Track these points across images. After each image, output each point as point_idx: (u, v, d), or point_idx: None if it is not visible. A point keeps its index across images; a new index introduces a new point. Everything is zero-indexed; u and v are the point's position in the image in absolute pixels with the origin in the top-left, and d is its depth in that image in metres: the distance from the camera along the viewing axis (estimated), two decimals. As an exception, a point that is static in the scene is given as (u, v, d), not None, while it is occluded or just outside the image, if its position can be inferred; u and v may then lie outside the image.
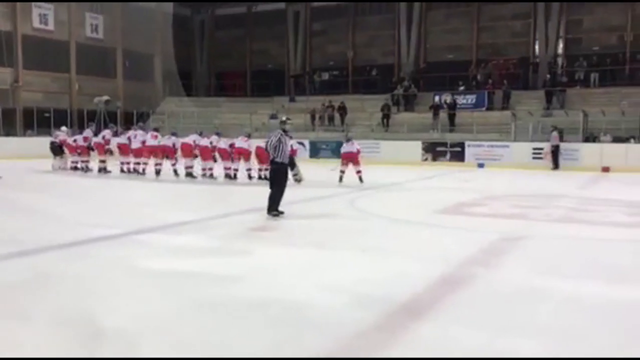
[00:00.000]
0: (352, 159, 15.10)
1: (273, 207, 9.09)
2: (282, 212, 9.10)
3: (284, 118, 9.95)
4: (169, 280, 5.47)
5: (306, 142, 25.44)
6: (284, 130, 9.39)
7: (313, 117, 28.66)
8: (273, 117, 26.86)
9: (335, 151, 23.83)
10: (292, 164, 13.66)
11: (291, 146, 11.25)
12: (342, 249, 7.02)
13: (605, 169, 20.08)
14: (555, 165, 21.10)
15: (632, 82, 25.81)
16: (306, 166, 20.21)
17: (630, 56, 26.95)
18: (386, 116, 27.23)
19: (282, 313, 4.53)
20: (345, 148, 15.48)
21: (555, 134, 21.34)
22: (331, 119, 28.62)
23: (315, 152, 25.40)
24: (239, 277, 5.62)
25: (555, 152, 21.20)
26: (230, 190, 14.20)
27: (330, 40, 34.40)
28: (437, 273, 5.75)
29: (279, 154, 9.18)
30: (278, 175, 9.25)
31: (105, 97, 29.58)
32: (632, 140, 21.45)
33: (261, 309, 4.57)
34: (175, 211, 10.05)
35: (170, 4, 31.77)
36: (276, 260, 6.46)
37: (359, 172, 14.90)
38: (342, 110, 28.29)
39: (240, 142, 15.98)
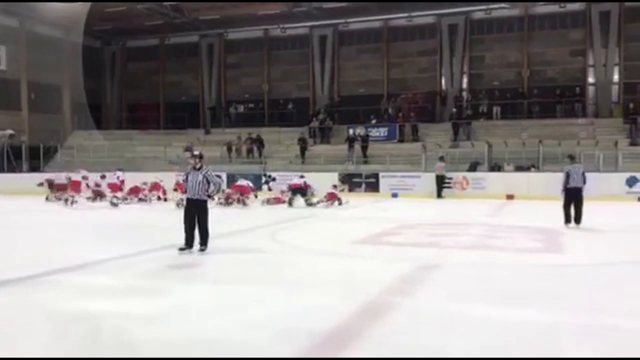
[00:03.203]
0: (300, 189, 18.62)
1: (190, 243, 9.04)
2: (186, 248, 8.95)
3: (188, 154, 9.92)
4: (84, 323, 5.25)
5: (223, 175, 25.19)
6: (200, 166, 9.33)
7: (229, 150, 28.55)
8: (188, 149, 26.46)
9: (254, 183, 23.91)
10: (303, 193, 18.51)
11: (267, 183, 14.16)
12: (264, 284, 7.01)
13: (510, 197, 21.26)
14: (438, 194, 22.06)
15: (530, 115, 27.70)
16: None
17: (527, 91, 28.92)
18: (303, 148, 27.58)
19: (207, 353, 4.46)
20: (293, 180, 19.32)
21: (441, 164, 22.41)
22: (250, 151, 28.62)
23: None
24: (159, 317, 5.48)
25: (439, 182, 22.19)
26: (150, 226, 13.80)
27: (245, 73, 34.60)
28: (358, 303, 5.88)
29: (190, 190, 9.16)
30: (197, 211, 9.16)
31: (9, 131, 28.05)
32: (532, 169, 22.89)
33: (185, 350, 4.49)
34: (90, 249, 9.65)
35: (80, 35, 30.83)
36: (197, 297, 6.36)
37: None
38: (259, 142, 28.38)
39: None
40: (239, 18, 31.35)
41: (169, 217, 13.64)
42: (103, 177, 20.77)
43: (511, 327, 5.10)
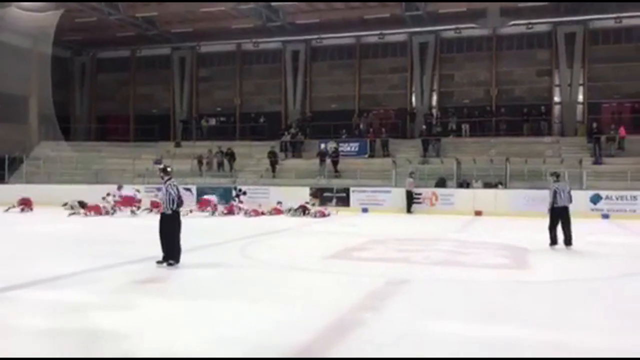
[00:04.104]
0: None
1: (164, 257, 8.97)
2: (163, 262, 8.94)
3: (161, 166, 9.89)
4: (50, 339, 5.16)
5: (193, 188, 25.07)
6: (167, 179, 9.29)
7: (200, 163, 28.39)
8: (157, 162, 26.26)
9: (224, 196, 23.85)
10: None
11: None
12: (233, 299, 6.98)
13: (478, 213, 21.57)
14: (408, 209, 22.31)
15: (498, 133, 28.22)
16: (193, 214, 19.96)
17: (495, 109, 29.49)
18: (273, 162, 27.59)
19: (174, 369, 4.43)
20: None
21: (410, 180, 22.69)
22: (220, 164, 28.50)
23: (202, 198, 25.02)
24: (126, 333, 5.42)
25: (409, 198, 22.46)
26: (120, 239, 13.60)
27: (217, 86, 34.55)
28: (326, 319, 5.90)
29: (165, 204, 9.14)
30: (164, 225, 9.12)
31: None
32: (500, 186, 23.28)
33: (152, 366, 4.44)
34: (57, 263, 9.48)
35: (49, 45, 30.38)
36: (165, 313, 6.30)
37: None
38: (230, 156, 28.30)
39: None
40: (211, 31, 31.38)
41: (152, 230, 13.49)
42: (120, 187, 22.48)
43: (478, 343, 5.18)
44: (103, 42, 33.78)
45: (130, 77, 35.63)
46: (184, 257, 9.22)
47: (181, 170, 25.34)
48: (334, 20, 29.42)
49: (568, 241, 11.60)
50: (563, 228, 11.68)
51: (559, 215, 11.70)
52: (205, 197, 22.11)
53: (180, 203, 9.22)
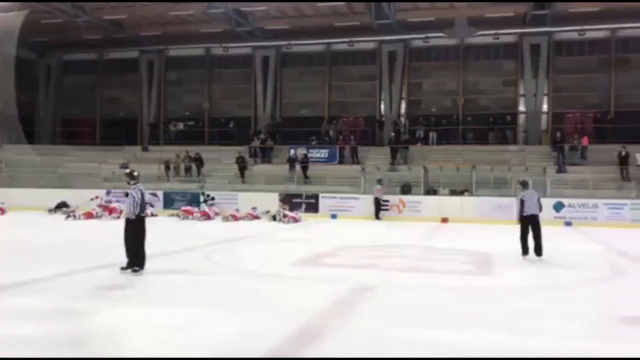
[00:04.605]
0: None
1: (129, 263, 8.84)
2: (127, 268, 8.82)
3: (127, 170, 9.77)
4: (9, 347, 5.02)
5: (160, 193, 24.79)
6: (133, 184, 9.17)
7: (167, 168, 28.07)
8: (124, 166, 25.89)
9: (192, 202, 23.65)
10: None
11: None
12: (199, 306, 6.91)
13: (445, 220, 21.81)
14: (376, 216, 22.49)
15: (465, 141, 28.63)
16: (161, 219, 19.76)
17: (462, 118, 29.92)
18: (242, 168, 27.45)
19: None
20: None
21: (378, 187, 22.86)
22: (188, 169, 28.23)
23: (169, 203, 24.76)
24: (87, 341, 5.31)
25: (377, 204, 22.64)
26: (87, 244, 13.34)
27: (186, 90, 34.26)
28: (294, 326, 5.88)
29: (129, 209, 9.05)
30: (128, 231, 8.99)
31: None
32: (466, 193, 23.58)
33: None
34: (21, 270, 9.24)
35: (13, 46, 29.69)
36: (126, 320, 6.19)
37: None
38: (198, 161, 28.05)
39: None
40: (180, 35, 31.10)
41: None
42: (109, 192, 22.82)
43: (444, 349, 5.23)
44: (69, 44, 33.16)
45: (97, 80, 35.04)
46: (150, 263, 9.10)
47: (148, 175, 24.99)
48: (304, 27, 29.48)
49: (538, 251, 11.26)
50: (533, 237, 11.33)
51: (528, 224, 11.39)
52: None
53: (142, 209, 9.08)
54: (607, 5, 25.56)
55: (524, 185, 12.29)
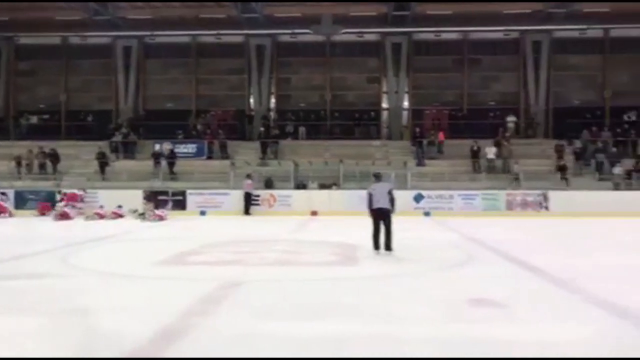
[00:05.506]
0: None
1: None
2: None
3: None
4: None
5: (10, 192, 22.82)
6: None
7: (19, 164, 25.87)
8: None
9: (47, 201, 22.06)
10: None
11: None
12: (50, 312, 6.38)
13: (314, 213, 22.21)
14: (246, 211, 22.47)
15: (333, 136, 29.35)
16: (15, 220, 18.20)
17: (330, 113, 30.62)
18: (103, 164, 26.00)
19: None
20: None
21: (248, 181, 22.88)
22: (42, 166, 26.20)
23: (22, 202, 22.88)
24: None
25: (247, 199, 22.63)
26: None
27: (40, 81, 31.84)
28: (155, 327, 5.61)
29: None
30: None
31: None
32: (334, 187, 24.18)
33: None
34: None
35: None
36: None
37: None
38: (54, 157, 26.14)
39: None
40: (32, 22, 28.72)
41: None
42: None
43: (312, 341, 5.24)
44: None
45: None
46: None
47: (-4, 173, 22.94)
48: (169, 18, 28.54)
49: (387, 245, 10.79)
50: (385, 231, 10.86)
51: (377, 218, 10.92)
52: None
53: None
54: (459, 10, 27.44)
55: (377, 177, 11.77)
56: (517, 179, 24.54)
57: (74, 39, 31.03)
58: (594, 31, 29.29)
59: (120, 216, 20.59)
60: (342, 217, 20.55)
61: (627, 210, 20.95)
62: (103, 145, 27.59)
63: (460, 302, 6.83)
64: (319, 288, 7.90)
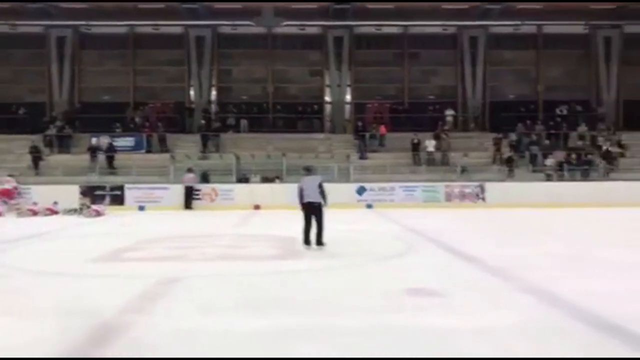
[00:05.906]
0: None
1: None
2: None
3: None
4: None
5: None
6: None
7: (-57, 160, 24.57)
8: None
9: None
10: None
11: None
12: (-24, 314, 6.09)
13: (257, 207, 22.08)
14: (188, 206, 22.17)
15: (275, 129, 29.22)
16: None
17: (272, 106, 30.47)
18: (36, 158, 25.00)
19: None
20: None
21: (191, 175, 22.57)
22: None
23: (-54, 200, 21.67)
24: None
25: (188, 193, 22.32)
26: None
27: (-35, 72, 30.24)
28: (89, 327, 5.44)
29: None
30: None
31: None
32: (277, 180, 24.11)
33: None
34: None
35: None
36: None
37: None
38: (-18, 151, 24.98)
39: None
40: (-45, 8, 27.29)
41: None
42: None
43: (251, 334, 5.20)
44: None
45: None
46: None
47: None
48: (105, 7, 27.66)
49: (318, 241, 10.63)
50: (316, 225, 10.68)
51: (308, 212, 10.68)
52: None
53: None
54: (400, 4, 27.80)
55: (308, 171, 11.21)
56: (464, 171, 24.97)
57: (3, 27, 29.61)
58: (528, 27, 30.25)
59: (55, 213, 19.83)
60: (286, 211, 20.43)
61: (559, 202, 21.83)
62: (36, 139, 26.50)
63: (399, 292, 6.94)
64: (259, 282, 7.85)
